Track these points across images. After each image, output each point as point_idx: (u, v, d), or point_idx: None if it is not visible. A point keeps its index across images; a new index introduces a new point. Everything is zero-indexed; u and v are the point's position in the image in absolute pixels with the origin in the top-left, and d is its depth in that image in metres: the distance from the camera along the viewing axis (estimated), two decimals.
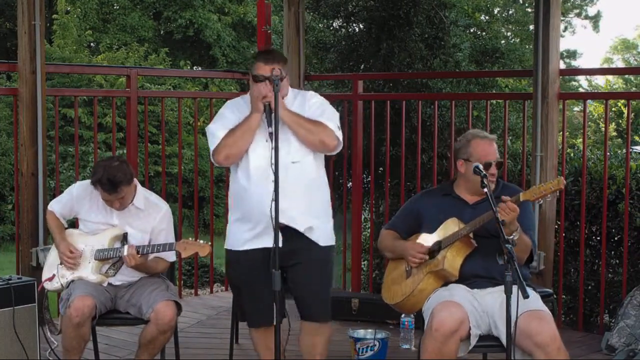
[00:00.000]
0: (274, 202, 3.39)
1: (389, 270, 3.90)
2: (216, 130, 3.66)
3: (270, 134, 3.48)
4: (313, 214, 3.67)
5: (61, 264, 4.11)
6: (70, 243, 4.12)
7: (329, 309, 3.82)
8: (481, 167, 3.55)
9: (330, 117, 3.66)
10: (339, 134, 3.64)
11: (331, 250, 3.78)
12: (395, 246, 3.85)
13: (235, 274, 3.84)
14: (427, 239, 3.72)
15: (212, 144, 3.65)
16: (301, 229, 3.62)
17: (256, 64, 3.63)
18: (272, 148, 3.41)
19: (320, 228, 3.69)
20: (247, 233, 3.65)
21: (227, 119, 3.68)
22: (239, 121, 3.63)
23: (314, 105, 3.69)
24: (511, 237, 3.41)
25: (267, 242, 3.50)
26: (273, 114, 3.43)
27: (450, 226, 3.65)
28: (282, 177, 3.39)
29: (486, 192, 3.37)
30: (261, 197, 3.49)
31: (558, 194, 5.20)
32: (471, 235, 3.61)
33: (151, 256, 4.06)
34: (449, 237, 3.61)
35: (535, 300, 3.49)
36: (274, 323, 3.44)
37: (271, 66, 3.55)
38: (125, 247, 3.98)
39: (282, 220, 3.44)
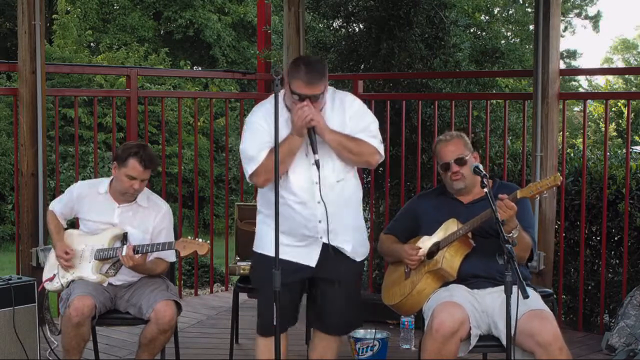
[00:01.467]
0: (320, 224, 3.42)
1: (389, 273, 3.91)
2: (256, 154, 3.42)
3: (317, 162, 3.34)
4: (354, 230, 3.61)
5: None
6: (67, 244, 4.13)
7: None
8: (481, 167, 3.56)
9: (373, 132, 3.52)
10: (381, 148, 3.53)
11: (363, 263, 3.75)
12: (393, 250, 3.85)
13: (265, 278, 3.47)
14: (426, 241, 3.72)
15: (250, 168, 3.45)
16: (347, 249, 3.55)
17: (295, 81, 3.34)
18: (313, 164, 3.34)
19: (359, 243, 3.64)
20: (285, 247, 3.44)
21: (262, 137, 3.43)
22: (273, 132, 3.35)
23: (355, 116, 3.51)
24: (510, 234, 3.42)
25: (307, 259, 3.50)
26: (318, 137, 3.37)
27: (450, 226, 3.65)
28: (329, 196, 3.37)
29: (486, 192, 3.37)
30: (308, 218, 3.44)
31: (555, 190, 5.24)
32: (469, 235, 3.61)
33: (151, 257, 4.06)
34: (447, 237, 3.62)
35: (536, 300, 3.49)
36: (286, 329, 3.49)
37: (311, 88, 3.34)
38: (124, 247, 3.98)
39: (331, 241, 3.45)
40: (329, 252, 3.47)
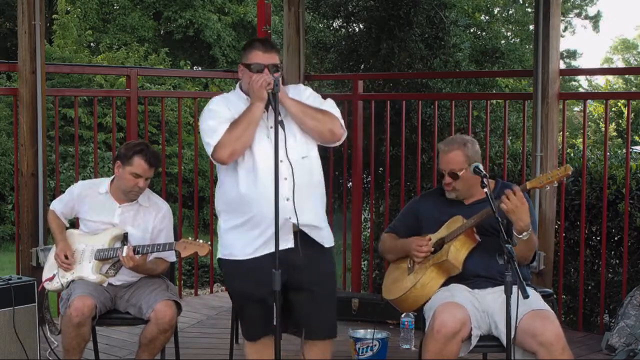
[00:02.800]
0: (288, 202, 3.26)
1: (390, 271, 3.89)
2: (217, 126, 3.33)
3: (281, 122, 3.22)
4: (320, 213, 3.49)
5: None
6: (69, 245, 4.13)
7: (336, 322, 3.62)
8: (481, 167, 3.55)
9: (332, 105, 3.48)
10: (342, 122, 3.47)
11: (333, 252, 3.60)
12: (397, 245, 3.83)
13: (239, 285, 3.53)
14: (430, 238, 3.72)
15: (213, 140, 3.32)
16: (314, 230, 3.43)
17: (252, 52, 3.38)
18: (284, 141, 3.21)
19: (325, 228, 3.53)
20: (255, 240, 3.38)
21: (224, 115, 3.37)
22: (236, 116, 3.36)
23: (311, 96, 3.49)
24: (522, 236, 3.42)
25: (282, 244, 3.29)
26: (277, 103, 3.24)
27: (454, 223, 3.65)
28: (295, 172, 3.26)
29: (486, 192, 3.37)
30: (270, 198, 3.18)
31: (556, 190, 5.25)
32: (475, 230, 3.61)
33: (151, 257, 4.07)
34: (453, 232, 3.61)
35: (538, 300, 3.49)
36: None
37: (270, 55, 3.37)
38: (125, 248, 3.98)
39: (299, 222, 3.29)
40: (300, 237, 3.34)
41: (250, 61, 3.39)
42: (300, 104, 3.39)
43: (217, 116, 3.39)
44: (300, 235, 3.38)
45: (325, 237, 3.51)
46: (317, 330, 3.53)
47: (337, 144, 3.52)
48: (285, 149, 3.26)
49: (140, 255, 3.96)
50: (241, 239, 3.42)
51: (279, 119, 3.21)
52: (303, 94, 3.50)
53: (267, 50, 3.38)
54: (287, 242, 3.36)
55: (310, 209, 3.39)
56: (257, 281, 3.37)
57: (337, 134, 3.43)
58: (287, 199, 3.29)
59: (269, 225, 3.23)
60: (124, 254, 3.94)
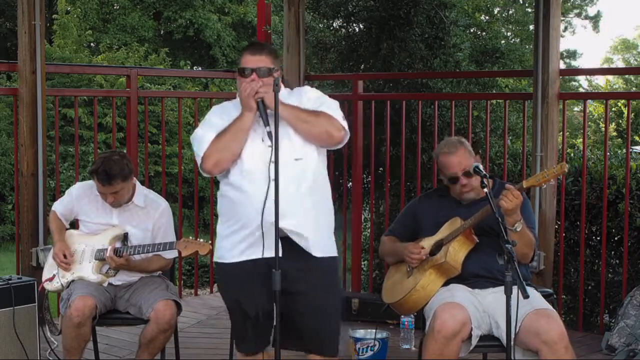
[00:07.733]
0: (269, 203, 3.05)
1: (390, 274, 3.89)
2: (204, 135, 3.21)
3: (269, 133, 3.08)
4: (315, 220, 3.21)
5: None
6: (67, 246, 4.13)
7: (338, 337, 3.35)
8: (481, 166, 3.54)
9: (332, 106, 3.25)
10: (344, 123, 3.23)
11: (333, 262, 3.32)
12: (395, 248, 3.84)
13: (226, 289, 3.38)
14: (428, 242, 3.71)
15: (201, 150, 3.19)
16: (299, 237, 3.17)
17: (243, 56, 3.24)
18: (270, 146, 3.06)
19: (321, 237, 3.25)
20: (241, 244, 3.17)
21: (215, 124, 3.23)
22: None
23: (312, 98, 3.29)
24: (513, 228, 3.42)
25: (261, 252, 3.14)
26: (269, 111, 3.10)
27: (452, 225, 3.65)
28: (283, 176, 3.04)
29: (486, 192, 3.37)
30: (256, 199, 3.08)
31: (555, 190, 5.26)
32: (472, 231, 3.61)
33: (150, 255, 4.07)
34: (451, 233, 3.61)
35: (540, 299, 3.50)
36: (264, 349, 3.25)
37: (258, 57, 3.20)
38: (108, 248, 3.98)
39: (281, 226, 3.05)
40: (287, 244, 3.12)
41: (240, 66, 3.25)
42: (292, 108, 3.19)
43: (207, 125, 3.27)
44: (290, 242, 3.16)
45: (314, 246, 3.21)
46: (314, 346, 3.31)
47: (339, 146, 3.29)
48: (275, 155, 3.09)
49: (122, 256, 3.96)
50: (230, 243, 3.25)
51: (268, 130, 3.10)
52: (304, 96, 3.32)
53: (255, 52, 3.23)
54: (272, 250, 3.09)
55: (297, 214, 3.15)
56: (245, 289, 3.18)
57: (336, 136, 3.21)
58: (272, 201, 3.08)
59: (253, 228, 3.13)
60: (107, 254, 3.95)
